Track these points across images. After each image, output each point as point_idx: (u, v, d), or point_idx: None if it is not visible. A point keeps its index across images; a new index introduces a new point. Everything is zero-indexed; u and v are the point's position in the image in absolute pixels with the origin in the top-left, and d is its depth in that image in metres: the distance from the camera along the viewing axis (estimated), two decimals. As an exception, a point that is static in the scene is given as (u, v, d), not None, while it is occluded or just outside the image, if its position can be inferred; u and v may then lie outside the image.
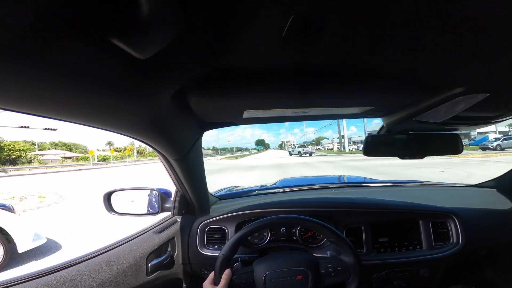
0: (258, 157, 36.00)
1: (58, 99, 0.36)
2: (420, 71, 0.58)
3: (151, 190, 1.24)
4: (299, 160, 21.02)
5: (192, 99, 0.61)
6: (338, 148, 42.17)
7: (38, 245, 3.33)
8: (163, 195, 1.21)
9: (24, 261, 3.31)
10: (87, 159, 46.97)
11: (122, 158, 52.53)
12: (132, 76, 0.40)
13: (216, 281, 0.84)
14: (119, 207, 1.20)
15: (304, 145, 41.80)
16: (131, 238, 1.04)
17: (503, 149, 18.03)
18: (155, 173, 14.49)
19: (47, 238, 3.62)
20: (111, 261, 0.89)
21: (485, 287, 1.38)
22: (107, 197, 1.17)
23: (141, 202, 1.25)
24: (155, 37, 0.32)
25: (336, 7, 0.34)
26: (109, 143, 64.66)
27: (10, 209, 3.37)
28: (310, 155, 30.06)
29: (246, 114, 0.76)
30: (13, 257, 3.22)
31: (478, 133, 28.78)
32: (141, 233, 1.09)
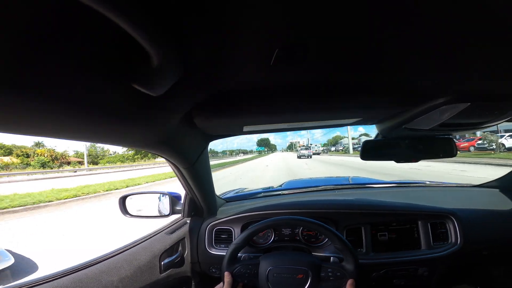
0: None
1: (89, 126, 0.45)
2: (402, 84, 0.63)
3: (163, 194, 1.32)
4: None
5: (197, 119, 0.70)
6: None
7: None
8: (174, 198, 1.28)
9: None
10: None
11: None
12: (148, 108, 0.50)
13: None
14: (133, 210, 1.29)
15: (307, 148, 43.88)
16: (146, 238, 1.13)
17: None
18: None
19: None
20: (129, 259, 0.97)
21: (489, 286, 1.40)
22: (122, 201, 1.26)
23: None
24: (164, 80, 0.40)
25: (313, 37, 0.41)
26: (38, 144, 48.95)
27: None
28: (309, 157, 31.84)
29: (246, 128, 0.84)
30: None
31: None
32: (154, 234, 1.18)
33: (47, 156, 40.46)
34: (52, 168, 34.83)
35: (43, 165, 38.09)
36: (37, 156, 39.82)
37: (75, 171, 27.03)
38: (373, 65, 0.53)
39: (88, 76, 0.33)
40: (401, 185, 1.83)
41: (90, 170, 29.91)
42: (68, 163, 41.88)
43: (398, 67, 0.54)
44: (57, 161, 41.33)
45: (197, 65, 0.44)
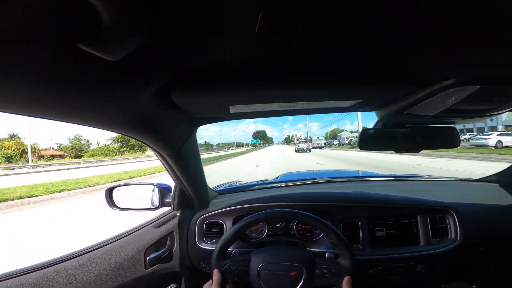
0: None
1: (39, 100, 0.38)
2: (407, 63, 0.57)
3: (152, 185, 1.27)
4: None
5: (175, 96, 0.62)
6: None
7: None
8: (163, 190, 1.23)
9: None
10: None
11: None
12: (107, 77, 0.42)
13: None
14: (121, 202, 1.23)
15: (306, 141, 39.31)
16: (130, 232, 1.07)
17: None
18: None
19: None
20: (109, 254, 0.92)
21: (486, 284, 1.37)
22: (109, 192, 1.20)
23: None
24: (121, 42, 0.33)
25: (305, 2, 0.35)
26: (13, 136, 40.29)
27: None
28: (308, 151, 27.95)
29: (232, 110, 0.77)
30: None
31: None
32: (139, 227, 1.12)
33: (14, 150, 36.22)
34: (18, 163, 30.71)
35: (9, 159, 34.21)
36: (4, 149, 35.71)
37: (13, 169, 22.40)
38: (374, 39, 0.46)
39: (12, 33, 0.26)
40: (399, 178, 1.80)
41: (37, 167, 24.62)
42: (41, 157, 37.46)
43: (402, 44, 0.48)
44: (25, 154, 35.85)
45: (165, 24, 0.37)
